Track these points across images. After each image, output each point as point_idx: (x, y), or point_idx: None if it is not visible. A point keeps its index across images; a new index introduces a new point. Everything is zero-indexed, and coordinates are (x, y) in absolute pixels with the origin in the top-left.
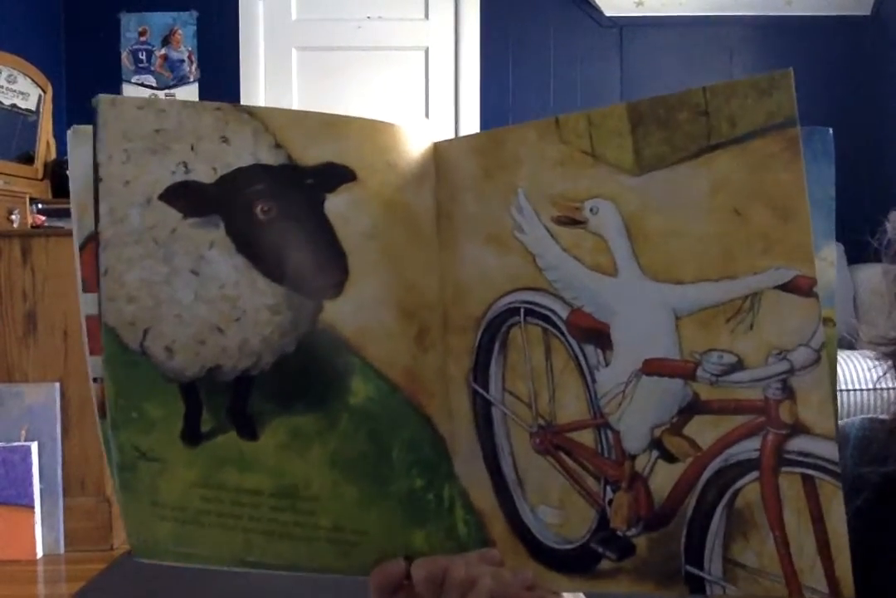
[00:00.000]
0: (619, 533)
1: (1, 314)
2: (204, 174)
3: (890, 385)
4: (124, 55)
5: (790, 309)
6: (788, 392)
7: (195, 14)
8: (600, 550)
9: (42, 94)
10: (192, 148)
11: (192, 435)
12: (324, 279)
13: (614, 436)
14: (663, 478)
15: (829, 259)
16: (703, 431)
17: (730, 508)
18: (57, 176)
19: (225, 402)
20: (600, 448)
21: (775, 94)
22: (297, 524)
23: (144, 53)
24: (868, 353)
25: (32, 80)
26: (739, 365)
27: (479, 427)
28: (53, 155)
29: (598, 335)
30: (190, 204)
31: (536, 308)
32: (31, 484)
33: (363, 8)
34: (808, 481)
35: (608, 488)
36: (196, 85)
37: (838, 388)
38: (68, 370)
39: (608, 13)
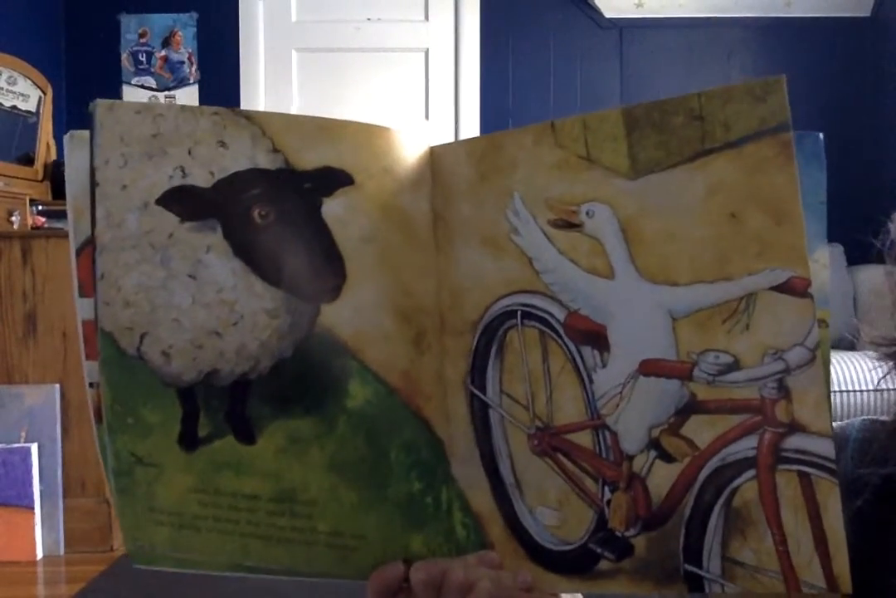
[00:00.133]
0: (617, 533)
1: (1, 315)
2: (201, 178)
3: (891, 386)
4: (124, 57)
5: (785, 309)
6: (784, 391)
7: (195, 16)
8: (599, 550)
9: (42, 95)
10: (190, 152)
11: (189, 440)
12: (321, 283)
13: (612, 437)
14: (661, 478)
15: (822, 261)
16: (701, 430)
17: (728, 506)
18: (57, 178)
19: (222, 406)
20: (598, 449)
21: (769, 100)
22: (295, 529)
23: (144, 55)
24: (869, 354)
25: (32, 81)
26: (736, 365)
27: (476, 430)
28: (53, 156)
29: (596, 337)
30: (187, 208)
31: (533, 311)
32: (30, 485)
33: (363, 9)
34: (804, 478)
35: (606, 488)
36: (196, 87)
37: (839, 389)
38: (68, 372)
39: (608, 14)
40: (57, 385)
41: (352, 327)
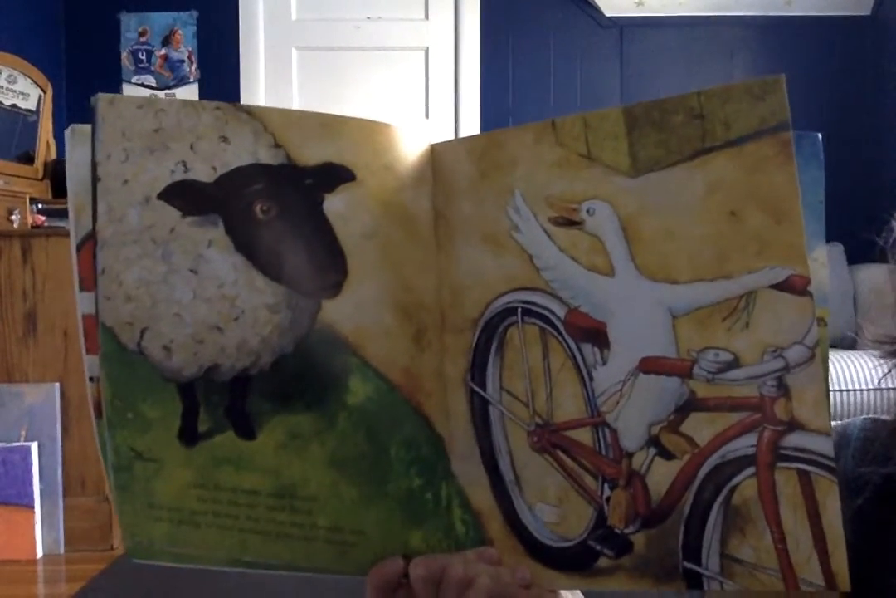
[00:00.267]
0: (616, 531)
1: (1, 314)
2: (203, 173)
3: (892, 385)
4: (124, 55)
5: (785, 308)
6: (784, 389)
7: (195, 14)
8: (598, 547)
9: (42, 94)
10: (192, 147)
11: (189, 435)
12: (322, 279)
13: (612, 434)
14: (661, 475)
15: (820, 260)
16: (700, 428)
17: (727, 504)
18: (57, 176)
19: (223, 401)
20: (598, 446)
21: (768, 99)
22: (295, 524)
23: (144, 54)
24: (869, 353)
25: (32, 80)
26: (735, 363)
27: (476, 426)
28: (53, 155)
29: (596, 334)
30: (189, 203)
31: (534, 308)
32: (30, 484)
33: (363, 8)
34: (803, 476)
35: (606, 485)
36: (196, 85)
37: (839, 388)
38: (68, 370)
39: (608, 13)
40: (57, 384)
41: (353, 323)
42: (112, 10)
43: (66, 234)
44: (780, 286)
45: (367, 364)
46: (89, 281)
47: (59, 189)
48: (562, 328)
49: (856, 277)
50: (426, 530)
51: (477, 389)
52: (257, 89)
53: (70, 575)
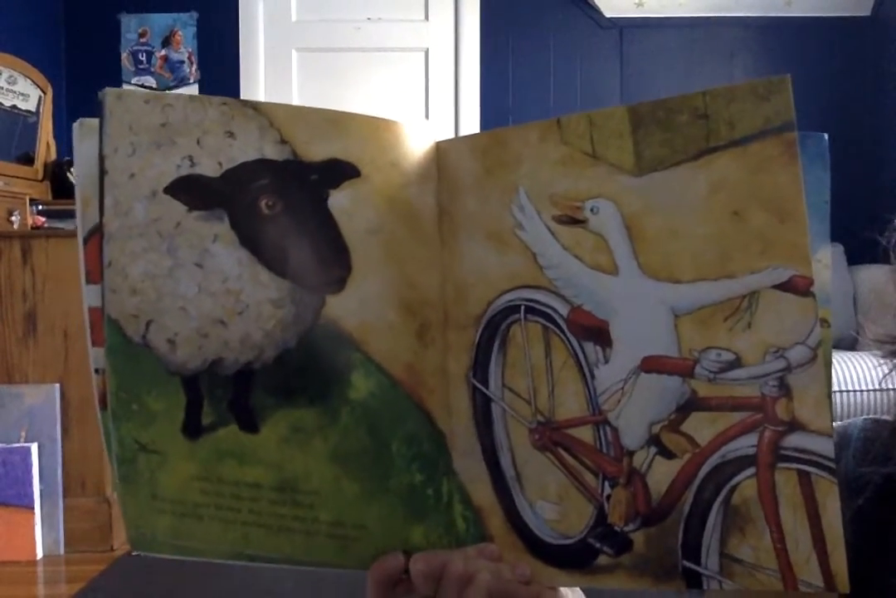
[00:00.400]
0: (616, 529)
1: (1, 315)
2: (209, 168)
3: (893, 386)
4: (124, 56)
5: (787, 308)
6: (785, 389)
7: (195, 15)
8: (598, 545)
9: (42, 95)
10: (198, 142)
11: (192, 428)
12: (327, 274)
13: (613, 433)
14: (661, 474)
15: (824, 261)
16: (701, 427)
17: (727, 504)
18: (57, 177)
19: (226, 395)
20: (599, 445)
21: (773, 99)
22: (297, 518)
23: (144, 54)
24: (870, 353)
25: (32, 81)
26: (737, 363)
27: (478, 423)
28: (53, 156)
29: (598, 333)
30: (195, 198)
31: (537, 306)
32: (30, 485)
33: (363, 9)
34: (804, 477)
35: (606, 483)
36: (196, 86)
37: (840, 389)
38: (68, 371)
39: (608, 14)
40: (57, 385)
41: (356, 318)
42: (112, 11)
43: (66, 235)
44: (783, 286)
45: (369, 360)
46: (95, 274)
47: (59, 190)
48: (564, 326)
49: (856, 277)
50: (427, 525)
51: (479, 386)
52: (257, 90)
53: (70, 576)
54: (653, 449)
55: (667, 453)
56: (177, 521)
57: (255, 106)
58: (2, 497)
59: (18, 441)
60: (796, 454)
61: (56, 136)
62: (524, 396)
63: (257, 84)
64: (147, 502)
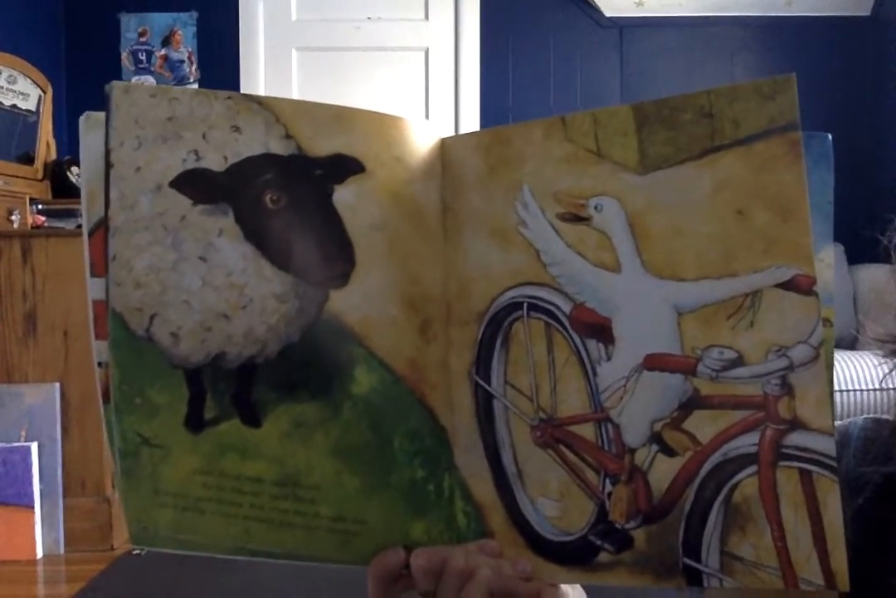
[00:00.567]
0: (617, 526)
1: (1, 315)
2: (214, 162)
3: (893, 385)
4: (124, 56)
5: (790, 307)
6: (787, 388)
7: (195, 15)
8: (599, 542)
9: (42, 94)
10: (204, 136)
11: (195, 422)
12: (330, 269)
13: (614, 430)
14: (662, 472)
15: (827, 261)
16: (703, 425)
17: (728, 502)
18: (57, 177)
19: (229, 389)
20: (600, 442)
21: (778, 98)
22: (298, 513)
23: (144, 54)
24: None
25: (32, 80)
26: (739, 361)
27: (480, 420)
28: (53, 155)
29: (601, 330)
30: (200, 192)
31: (540, 303)
32: (30, 484)
33: (363, 8)
34: (805, 475)
35: (607, 481)
36: (196, 86)
37: (840, 388)
38: (68, 371)
39: (608, 13)
40: (57, 384)
41: (359, 313)
42: (112, 11)
43: (67, 234)
44: (786, 286)
45: (372, 355)
46: (100, 267)
47: (59, 190)
48: (567, 324)
49: (856, 277)
50: (428, 521)
51: (481, 382)
52: (257, 90)
53: (70, 576)
54: (654, 447)
55: (668, 451)
56: (179, 515)
57: (260, 101)
58: (2, 497)
59: (18, 441)
60: (798, 453)
61: (56, 135)
62: (526, 393)
63: (257, 83)
64: (149, 496)
